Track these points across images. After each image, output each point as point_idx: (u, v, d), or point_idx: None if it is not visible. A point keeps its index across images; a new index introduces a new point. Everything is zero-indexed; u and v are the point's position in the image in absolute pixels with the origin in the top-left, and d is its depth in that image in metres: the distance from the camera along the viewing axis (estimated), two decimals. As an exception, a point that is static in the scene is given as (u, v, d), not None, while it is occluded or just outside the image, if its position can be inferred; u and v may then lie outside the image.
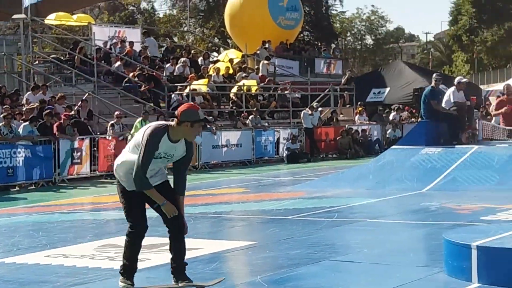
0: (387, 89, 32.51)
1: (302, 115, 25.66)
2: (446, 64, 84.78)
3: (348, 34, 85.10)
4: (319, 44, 45.87)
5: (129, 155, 6.11)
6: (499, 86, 41.47)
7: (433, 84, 15.95)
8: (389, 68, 35.51)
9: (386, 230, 9.64)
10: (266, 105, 27.41)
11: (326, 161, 24.10)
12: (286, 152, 24.07)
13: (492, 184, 13.43)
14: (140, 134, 6.02)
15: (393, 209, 12.04)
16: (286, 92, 28.39)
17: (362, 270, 7.13)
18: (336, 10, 72.40)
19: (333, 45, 48.17)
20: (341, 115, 29.57)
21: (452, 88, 15.82)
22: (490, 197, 12.23)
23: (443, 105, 15.64)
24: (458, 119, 15.60)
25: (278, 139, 24.88)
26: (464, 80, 16.72)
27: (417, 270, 6.96)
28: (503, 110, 16.87)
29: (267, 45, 33.98)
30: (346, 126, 26.70)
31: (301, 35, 52.42)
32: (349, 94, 30.52)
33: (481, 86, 46.68)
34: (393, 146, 16.67)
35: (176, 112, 6.02)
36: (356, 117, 28.41)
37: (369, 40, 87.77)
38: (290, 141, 24.30)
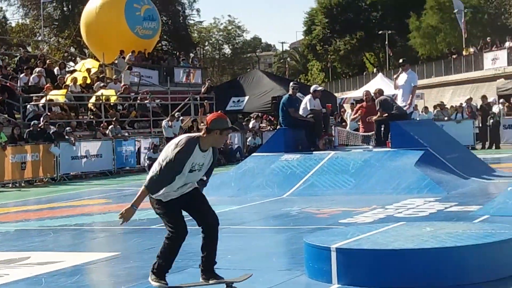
0: (246, 98, 32.91)
1: (163, 126, 25.57)
2: (302, 72, 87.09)
3: (206, 43, 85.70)
4: (178, 53, 45.90)
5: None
6: (353, 94, 43.07)
7: (290, 92, 16.30)
8: (248, 77, 35.93)
9: (249, 236, 9.78)
10: (126, 115, 27.12)
11: (188, 170, 24.11)
12: (147, 161, 23.88)
13: (348, 188, 13.86)
14: (171, 147, 6.11)
15: (255, 215, 12.21)
16: (146, 101, 28.21)
17: (226, 276, 7.19)
18: (193, 20, 72.94)
19: (191, 55, 48.32)
20: (202, 124, 29.67)
21: (309, 96, 16.21)
22: (347, 200, 12.65)
23: (300, 112, 16.00)
24: (315, 126, 15.98)
25: (139, 148, 24.67)
26: (320, 88, 17.18)
27: (280, 274, 7.10)
28: (357, 114, 17.52)
29: (129, 55, 33.62)
30: (207, 134, 26.81)
31: (160, 44, 52.32)
32: (209, 102, 30.71)
33: (336, 94, 48.27)
34: (254, 154, 16.85)
35: (205, 121, 6.20)
36: (217, 126, 28.60)
37: (227, 50, 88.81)
38: (152, 150, 24.15)
